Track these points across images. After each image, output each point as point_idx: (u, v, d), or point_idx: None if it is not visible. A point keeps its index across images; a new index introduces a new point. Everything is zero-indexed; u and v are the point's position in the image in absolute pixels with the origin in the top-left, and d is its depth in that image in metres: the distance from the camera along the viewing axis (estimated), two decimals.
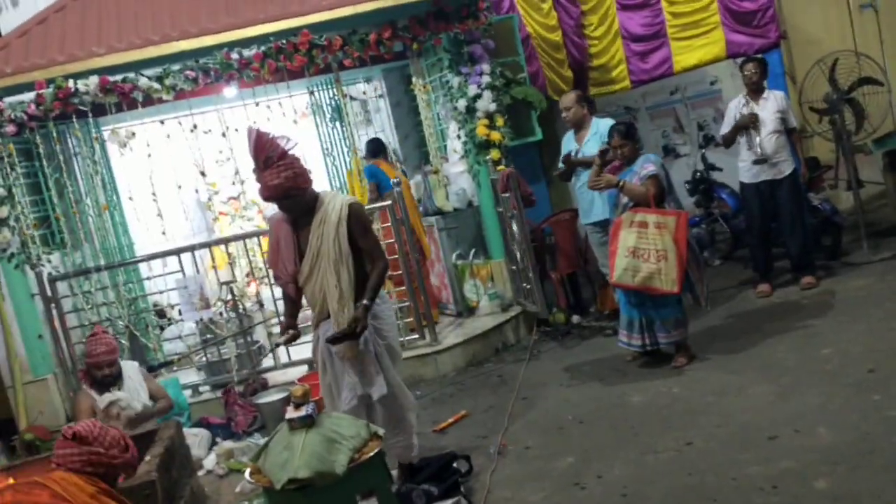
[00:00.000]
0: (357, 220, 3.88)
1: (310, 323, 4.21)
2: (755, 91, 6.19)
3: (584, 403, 5.04)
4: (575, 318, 6.72)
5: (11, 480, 3.42)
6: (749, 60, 6.31)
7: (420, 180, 7.22)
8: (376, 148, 7.09)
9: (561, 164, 6.34)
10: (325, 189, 4.10)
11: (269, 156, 3.72)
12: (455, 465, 4.29)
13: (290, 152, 3.80)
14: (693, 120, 8.79)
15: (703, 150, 8.11)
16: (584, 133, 6.20)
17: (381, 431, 3.16)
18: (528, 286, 6.39)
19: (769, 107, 6.12)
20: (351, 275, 3.87)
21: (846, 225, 6.94)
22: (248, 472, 3.17)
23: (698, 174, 7.88)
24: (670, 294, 5.09)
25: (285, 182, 3.72)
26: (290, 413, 3.04)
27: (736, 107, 6.28)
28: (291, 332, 4.14)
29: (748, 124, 6.12)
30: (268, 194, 3.82)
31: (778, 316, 5.80)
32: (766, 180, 6.17)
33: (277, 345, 4.54)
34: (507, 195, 6.32)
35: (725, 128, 6.33)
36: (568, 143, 6.33)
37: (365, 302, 3.80)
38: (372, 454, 3.02)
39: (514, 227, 6.36)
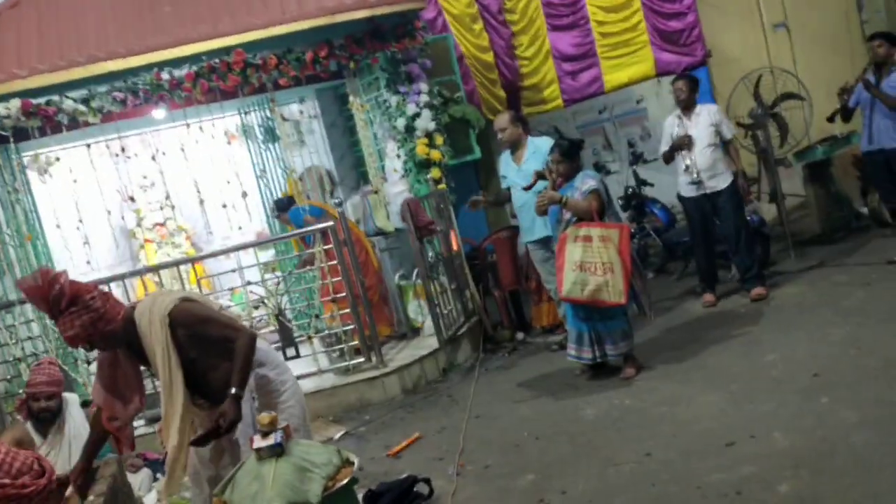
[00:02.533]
0: (185, 325, 3.28)
1: None
2: (686, 108, 6.31)
3: (538, 419, 5.01)
4: (519, 335, 6.74)
5: None
6: (678, 78, 6.46)
7: (359, 201, 7.14)
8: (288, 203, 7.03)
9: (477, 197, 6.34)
10: (138, 307, 3.37)
11: (55, 303, 3.15)
12: (416, 488, 4.21)
13: (84, 290, 3.23)
14: (622, 138, 8.98)
15: (634, 167, 8.28)
16: (522, 153, 6.17)
17: (352, 457, 3.06)
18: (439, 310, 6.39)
19: (701, 122, 6.23)
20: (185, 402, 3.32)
21: (773, 236, 7.18)
22: None
23: (630, 190, 8.05)
24: (617, 305, 5.14)
25: (81, 331, 3.18)
26: (258, 442, 2.90)
27: (670, 125, 6.39)
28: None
29: (682, 146, 6.23)
30: (69, 344, 3.31)
31: (718, 325, 5.93)
32: (705, 193, 6.26)
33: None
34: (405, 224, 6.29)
35: (663, 146, 6.44)
36: (505, 164, 6.32)
37: (233, 390, 3.20)
38: (345, 481, 2.91)
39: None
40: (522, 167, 6.09)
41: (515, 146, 6.19)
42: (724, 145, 6.29)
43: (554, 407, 5.16)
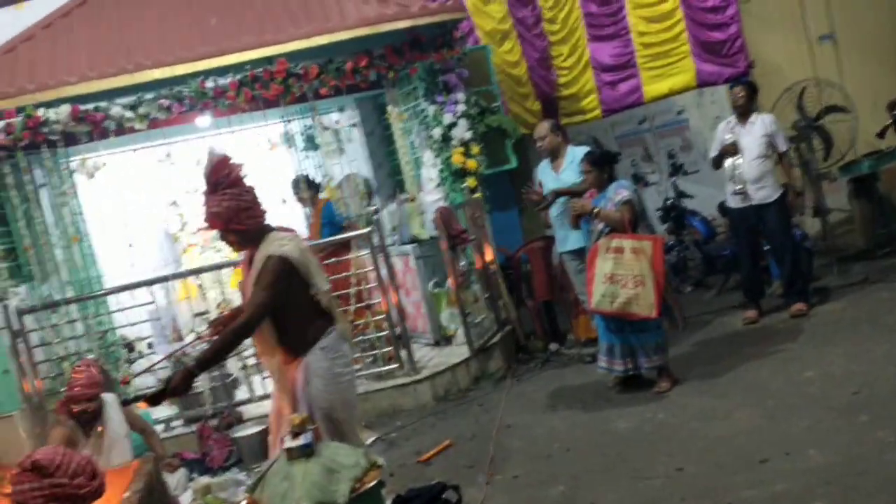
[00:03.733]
0: (261, 270, 3.50)
1: None
2: (742, 114, 6.17)
3: (569, 430, 5.00)
4: (553, 346, 6.72)
5: None
6: (737, 83, 6.33)
7: (395, 209, 7.20)
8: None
9: (525, 190, 6.32)
10: (277, 232, 3.67)
11: (219, 180, 3.50)
12: (445, 495, 4.22)
13: (247, 185, 3.58)
14: (662, 149, 8.90)
15: (674, 179, 8.21)
16: (560, 162, 6.18)
17: (380, 461, 3.09)
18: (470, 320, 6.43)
19: (755, 131, 6.09)
20: (270, 326, 3.58)
21: (815, 251, 7.06)
22: (243, 502, 3.07)
23: (669, 202, 7.98)
24: (648, 319, 5.10)
25: (224, 212, 3.49)
26: (289, 442, 2.96)
27: (723, 131, 6.26)
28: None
29: (727, 153, 6.12)
30: (206, 221, 3.61)
31: (756, 340, 5.84)
32: (753, 206, 6.12)
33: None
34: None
35: (713, 152, 6.34)
36: (543, 173, 6.32)
37: (189, 364, 3.37)
38: (372, 484, 2.95)
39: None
40: (561, 176, 6.10)
41: (555, 155, 6.21)
42: (778, 157, 6.16)
43: (585, 419, 5.14)
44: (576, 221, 5.45)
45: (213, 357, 3.48)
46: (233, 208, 3.48)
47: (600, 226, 5.28)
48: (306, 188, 7.00)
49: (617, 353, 5.32)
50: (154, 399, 3.33)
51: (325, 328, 3.65)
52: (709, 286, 7.67)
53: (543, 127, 6.24)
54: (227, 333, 3.47)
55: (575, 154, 6.05)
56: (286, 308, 3.54)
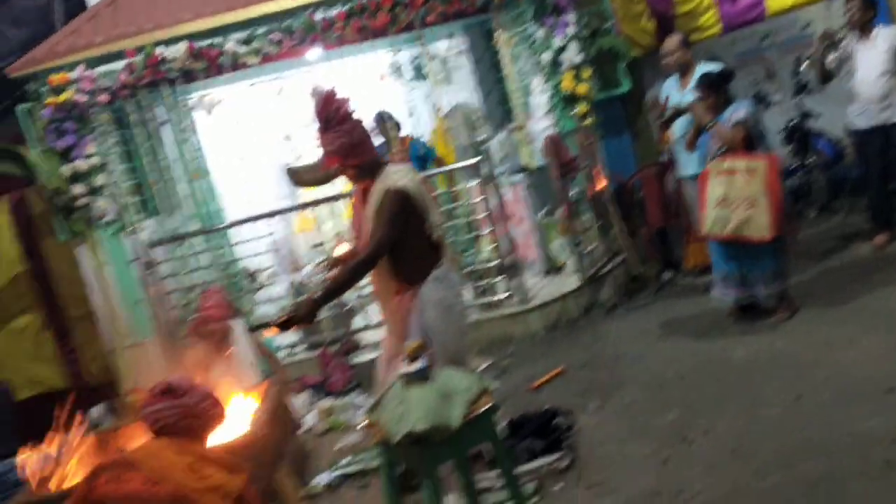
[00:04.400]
0: (380, 204, 3.56)
1: None
2: (862, 29, 5.76)
3: (683, 359, 4.92)
4: (666, 275, 6.59)
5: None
6: None
7: (504, 138, 7.13)
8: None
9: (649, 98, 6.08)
10: (392, 165, 3.76)
11: (328, 117, 3.58)
12: (556, 421, 4.27)
13: (355, 119, 3.64)
14: (786, 67, 8.40)
15: (799, 97, 7.76)
16: (688, 79, 5.90)
17: (493, 385, 3.14)
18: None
19: (878, 45, 5.68)
20: (386, 258, 3.62)
21: None
22: (362, 424, 3.20)
23: (793, 123, 7.56)
24: (763, 241, 4.90)
25: (338, 149, 3.59)
26: (405, 367, 3.05)
27: (844, 46, 5.90)
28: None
29: (827, 44, 5.80)
30: (324, 159, 3.69)
31: (883, 266, 5.53)
32: (879, 126, 5.76)
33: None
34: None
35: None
36: (669, 89, 6.08)
37: (314, 296, 3.49)
38: (486, 408, 3.01)
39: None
40: (687, 94, 5.85)
41: (683, 71, 5.97)
42: None
43: (700, 347, 5.04)
44: (693, 140, 5.27)
45: (337, 290, 3.61)
46: (346, 144, 3.58)
47: (715, 147, 5.09)
48: (394, 126, 7.01)
49: (732, 280, 5.17)
50: (283, 326, 3.47)
51: (437, 260, 3.74)
52: (835, 211, 7.30)
53: (672, 41, 5.99)
54: (350, 267, 3.59)
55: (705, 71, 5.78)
56: (403, 241, 3.61)
